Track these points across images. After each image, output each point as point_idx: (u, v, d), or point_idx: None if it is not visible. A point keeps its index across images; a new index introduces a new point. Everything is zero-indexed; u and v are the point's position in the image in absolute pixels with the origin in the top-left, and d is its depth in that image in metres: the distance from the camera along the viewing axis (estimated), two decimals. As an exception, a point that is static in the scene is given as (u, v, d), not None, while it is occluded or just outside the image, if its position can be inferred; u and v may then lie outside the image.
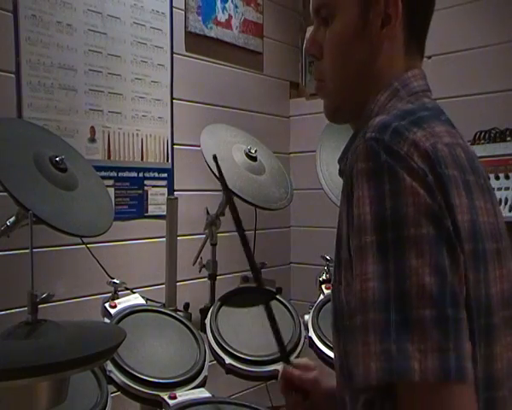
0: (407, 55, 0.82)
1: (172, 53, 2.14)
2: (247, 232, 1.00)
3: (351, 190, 0.70)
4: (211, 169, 1.68)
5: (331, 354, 1.59)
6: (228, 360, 1.55)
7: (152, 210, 2.07)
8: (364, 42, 0.81)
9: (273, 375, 1.57)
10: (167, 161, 2.13)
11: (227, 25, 2.35)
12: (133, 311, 1.54)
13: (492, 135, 2.02)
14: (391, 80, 0.81)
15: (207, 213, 1.85)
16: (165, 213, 1.83)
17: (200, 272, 1.87)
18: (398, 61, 0.82)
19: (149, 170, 2.07)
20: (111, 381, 1.34)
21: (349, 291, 0.71)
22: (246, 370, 1.55)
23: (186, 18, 2.19)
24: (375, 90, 0.81)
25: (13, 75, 1.67)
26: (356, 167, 0.69)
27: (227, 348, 1.57)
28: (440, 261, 0.64)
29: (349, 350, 0.73)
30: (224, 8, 2.33)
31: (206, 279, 1.89)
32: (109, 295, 1.59)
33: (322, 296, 1.81)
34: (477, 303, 0.69)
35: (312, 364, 1.00)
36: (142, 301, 1.61)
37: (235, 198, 1.74)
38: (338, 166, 0.88)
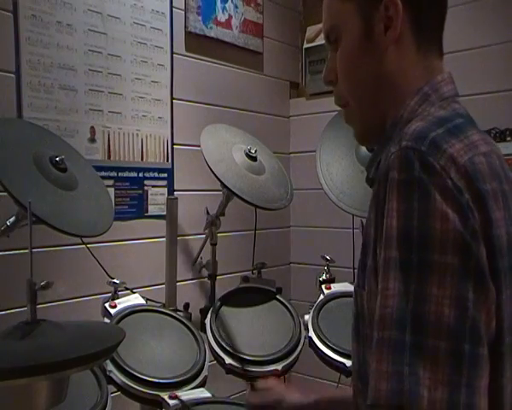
0: (419, 53, 0.80)
1: (172, 53, 2.14)
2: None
3: (383, 197, 0.68)
4: (211, 169, 1.68)
5: (331, 354, 1.59)
6: (228, 360, 1.55)
7: (152, 210, 2.07)
8: (372, 52, 0.80)
9: (273, 375, 1.57)
10: (167, 161, 2.13)
11: (227, 25, 2.35)
12: (133, 311, 1.54)
13: (492, 135, 2.02)
14: (420, 84, 0.79)
15: (207, 213, 1.85)
16: (165, 213, 1.83)
17: (200, 272, 1.87)
18: (412, 62, 0.80)
19: (149, 170, 2.07)
20: (111, 381, 1.34)
21: (371, 298, 0.71)
22: (246, 370, 1.55)
23: (186, 18, 2.19)
24: (395, 97, 0.80)
25: (13, 75, 1.67)
26: (389, 175, 0.67)
27: (227, 348, 1.57)
28: (462, 294, 0.62)
29: (367, 360, 0.72)
30: (223, 8, 2.33)
31: (206, 279, 1.89)
32: (109, 295, 1.59)
33: (322, 296, 1.81)
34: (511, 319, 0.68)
35: (273, 385, 1.09)
36: (142, 301, 1.61)
37: (235, 198, 1.75)
38: (366, 174, 0.86)
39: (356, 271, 0.80)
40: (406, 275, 0.64)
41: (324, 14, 0.86)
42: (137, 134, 2.02)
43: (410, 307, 0.63)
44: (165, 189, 2.12)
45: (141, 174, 2.04)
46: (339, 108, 0.90)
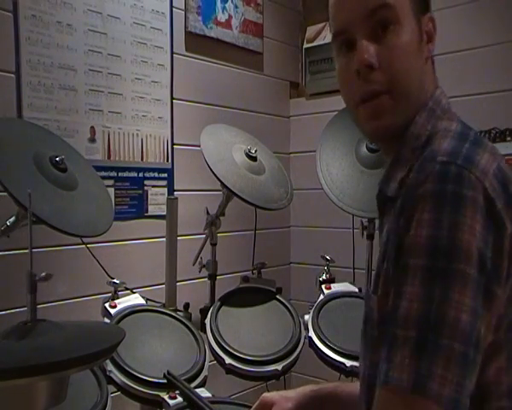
0: (434, 71, 0.88)
1: (172, 53, 2.14)
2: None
3: (410, 210, 0.71)
4: (211, 169, 1.68)
5: (331, 354, 1.59)
6: (228, 360, 1.55)
7: (152, 210, 2.07)
8: (420, 56, 0.84)
9: (273, 375, 1.57)
10: (167, 161, 2.13)
11: (227, 25, 2.35)
12: (133, 311, 1.53)
13: (492, 135, 2.01)
14: (426, 100, 0.83)
15: (207, 213, 1.85)
16: (165, 213, 1.83)
17: (200, 272, 1.87)
18: (433, 77, 0.87)
19: (149, 170, 2.07)
20: (111, 381, 1.34)
21: (384, 302, 0.74)
22: (246, 370, 1.55)
23: (186, 18, 2.19)
24: (420, 103, 0.83)
25: (13, 75, 1.67)
26: (423, 188, 0.70)
27: (227, 348, 1.57)
28: (476, 305, 0.68)
29: (378, 359, 0.74)
30: (223, 8, 2.33)
31: (206, 279, 1.89)
32: (109, 295, 1.59)
33: (322, 296, 1.81)
34: None
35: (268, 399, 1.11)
36: (142, 301, 1.61)
37: (235, 198, 1.75)
38: (379, 188, 0.87)
39: (373, 276, 0.83)
40: (431, 280, 0.68)
41: None
42: (137, 134, 2.02)
43: (433, 310, 0.67)
44: (165, 189, 2.12)
45: (141, 174, 2.04)
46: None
